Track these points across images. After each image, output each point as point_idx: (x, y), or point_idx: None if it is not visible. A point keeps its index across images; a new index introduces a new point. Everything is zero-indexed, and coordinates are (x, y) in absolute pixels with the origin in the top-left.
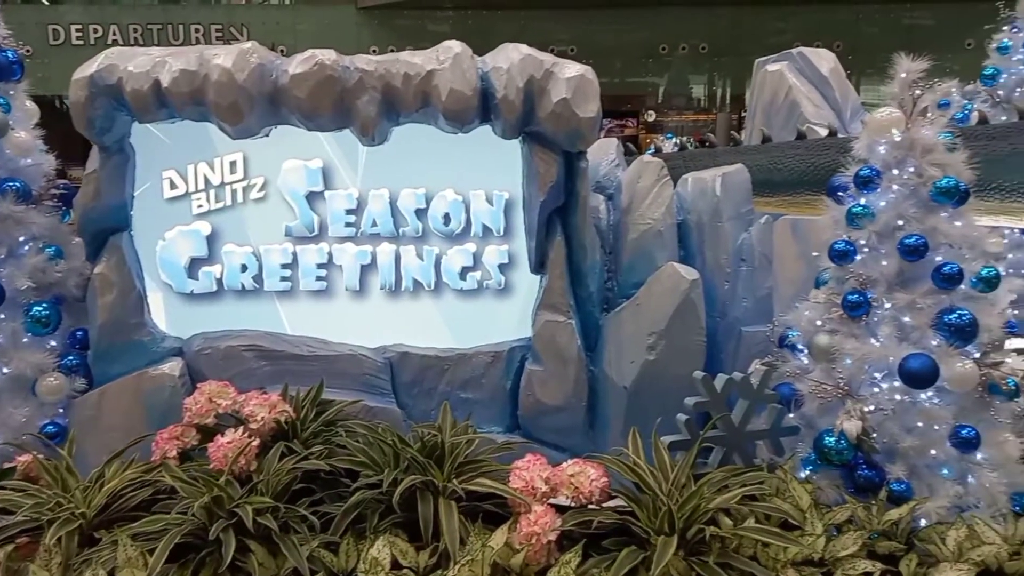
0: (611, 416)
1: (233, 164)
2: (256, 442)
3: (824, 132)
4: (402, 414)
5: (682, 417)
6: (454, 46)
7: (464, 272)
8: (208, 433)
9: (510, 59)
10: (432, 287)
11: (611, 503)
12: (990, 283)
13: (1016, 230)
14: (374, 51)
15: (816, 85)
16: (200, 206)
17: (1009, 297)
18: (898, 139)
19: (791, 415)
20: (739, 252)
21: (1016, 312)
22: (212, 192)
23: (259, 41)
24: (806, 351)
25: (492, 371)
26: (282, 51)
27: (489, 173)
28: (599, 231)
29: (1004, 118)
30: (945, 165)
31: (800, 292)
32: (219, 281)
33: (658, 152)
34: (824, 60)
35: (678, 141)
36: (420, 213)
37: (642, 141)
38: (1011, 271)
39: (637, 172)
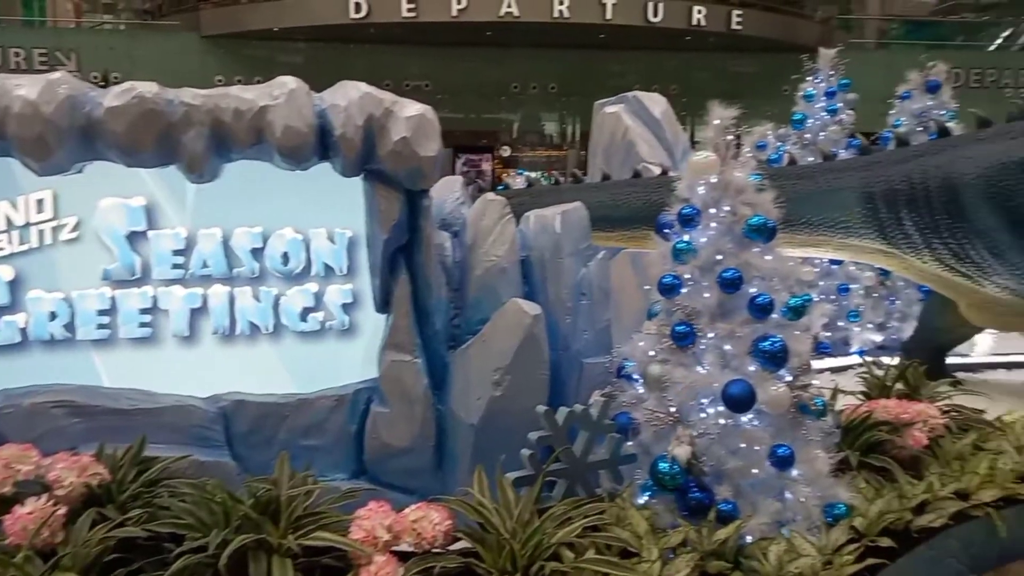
0: (460, 454)
1: (40, 203)
2: (63, 510)
3: (657, 171)
4: (237, 467)
5: (526, 452)
6: (289, 82)
7: (305, 313)
8: (6, 504)
9: (349, 97)
10: (270, 330)
11: (456, 546)
12: (798, 312)
13: (825, 260)
14: (219, 81)
15: (650, 127)
16: (1, 248)
17: (821, 320)
18: (714, 181)
19: (629, 443)
20: (579, 287)
21: (829, 334)
22: (15, 233)
23: (91, 68)
24: (641, 381)
25: (336, 415)
26: (116, 79)
27: (331, 211)
28: (445, 268)
29: (811, 159)
30: (755, 204)
31: (641, 323)
32: (23, 331)
33: (506, 188)
34: (656, 104)
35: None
36: (256, 252)
37: (498, 175)
38: (822, 297)
39: (481, 210)
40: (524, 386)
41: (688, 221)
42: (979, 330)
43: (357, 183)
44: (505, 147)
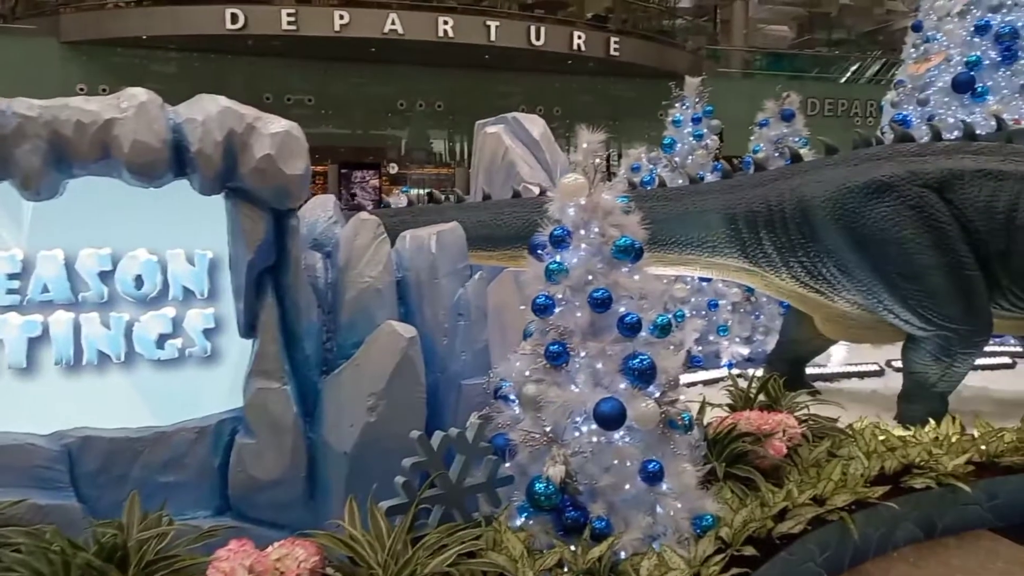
0: (332, 485)
1: None
2: None
3: (537, 191)
4: (83, 510)
5: (400, 480)
6: (139, 93)
7: (162, 340)
8: None
9: (207, 111)
10: (122, 359)
11: None
12: (665, 330)
13: (695, 278)
14: (82, 90)
15: (529, 147)
16: None
17: (694, 335)
18: (583, 203)
19: (507, 465)
20: (457, 307)
21: (700, 348)
22: None
23: None
24: (517, 401)
25: (197, 448)
26: None
27: (190, 230)
28: (316, 290)
29: (680, 182)
30: (622, 226)
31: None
32: None
33: (387, 206)
34: (535, 125)
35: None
36: (105, 276)
37: (385, 192)
38: (694, 313)
39: (354, 230)
40: (400, 411)
41: (559, 242)
42: (834, 342)
43: (220, 200)
44: (392, 164)
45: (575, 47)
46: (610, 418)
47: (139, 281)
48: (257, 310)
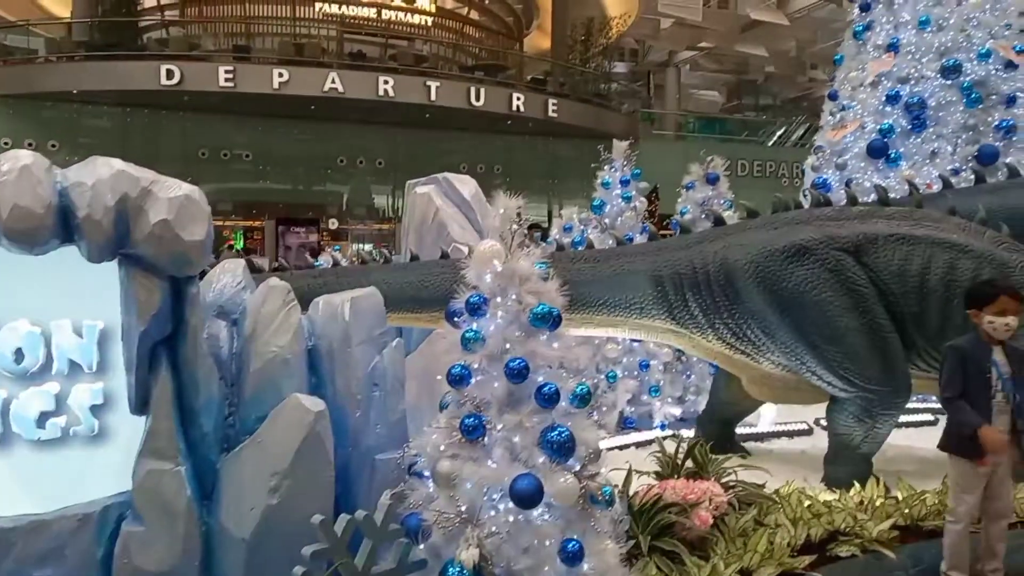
0: (229, 575)
1: None
2: None
3: (466, 252)
4: None
5: (299, 570)
6: (23, 156)
7: (43, 418)
8: None
9: (98, 174)
10: None
11: None
12: (584, 400)
13: (628, 340)
14: (7, 145)
15: (460, 207)
16: None
17: (626, 396)
18: (500, 269)
19: (420, 547)
20: (372, 377)
21: (633, 409)
22: None
23: None
24: (431, 478)
25: (80, 538)
26: None
27: (78, 299)
28: (219, 361)
29: (610, 243)
30: (540, 293)
31: None
32: None
33: (310, 268)
34: (466, 185)
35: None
36: None
37: (324, 248)
38: (626, 373)
39: (262, 296)
40: (305, 491)
41: (476, 310)
42: (762, 402)
43: (112, 267)
44: (332, 220)
45: (514, 108)
46: (527, 496)
47: (19, 354)
48: (150, 384)
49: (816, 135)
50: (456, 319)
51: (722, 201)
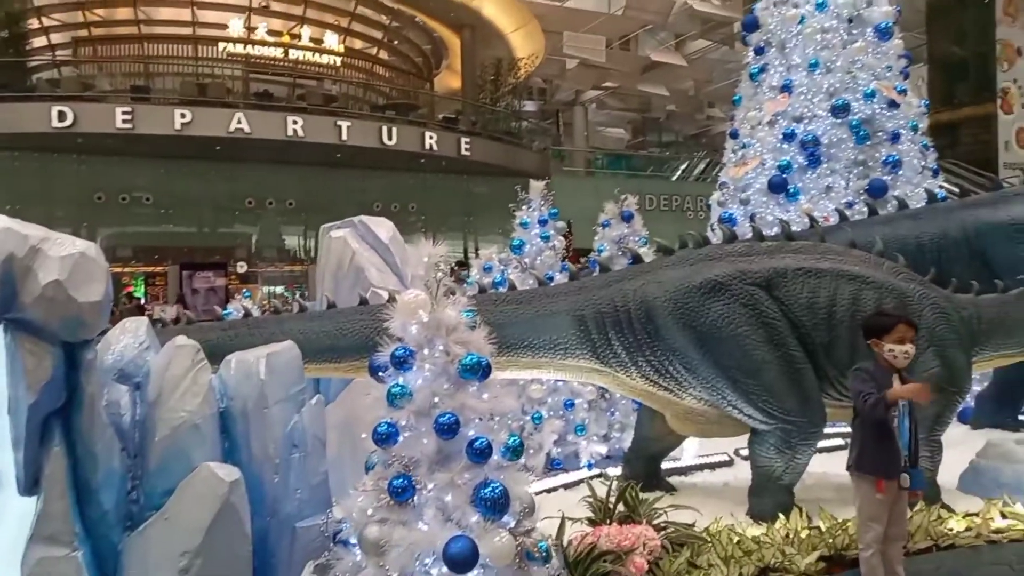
0: None
1: None
2: None
3: (386, 296)
4: None
5: None
6: None
7: None
8: None
9: None
10: None
11: None
12: (516, 451)
13: (553, 380)
14: None
15: (378, 251)
16: None
17: (552, 437)
18: (426, 320)
19: None
20: (290, 438)
21: (559, 449)
22: None
23: None
24: (359, 545)
25: None
26: None
27: None
28: (121, 431)
29: (530, 282)
30: (468, 343)
31: None
32: None
33: (221, 319)
34: (383, 228)
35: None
36: None
37: (233, 291)
38: (551, 414)
39: (167, 357)
40: (220, 569)
41: (402, 363)
42: (687, 436)
43: None
44: (241, 263)
45: (427, 146)
46: (462, 559)
47: None
48: (42, 461)
49: (720, 171)
50: (381, 373)
51: (637, 238)
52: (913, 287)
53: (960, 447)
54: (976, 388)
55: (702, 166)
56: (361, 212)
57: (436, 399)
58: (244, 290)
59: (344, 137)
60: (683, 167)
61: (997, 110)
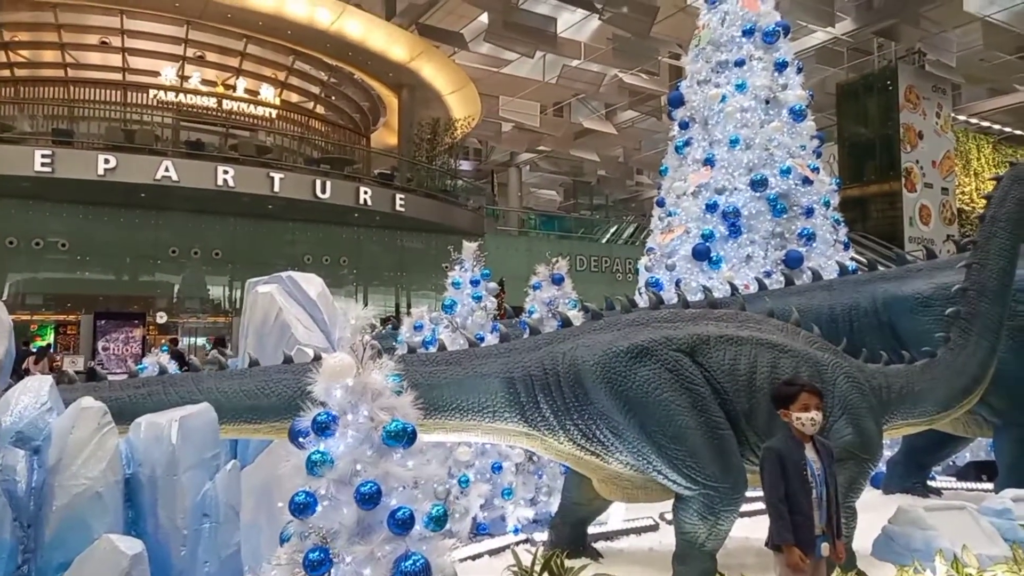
0: None
1: None
2: None
3: (311, 355)
4: None
5: None
6: None
7: None
8: None
9: None
10: None
11: None
12: (440, 522)
13: (481, 442)
14: None
15: (306, 307)
16: None
17: (479, 501)
18: (351, 384)
19: None
20: (201, 507)
21: (486, 514)
22: None
23: None
24: None
25: None
26: None
27: None
28: (14, 498)
29: (461, 343)
30: (393, 408)
31: None
32: None
33: (133, 376)
34: (312, 284)
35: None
36: None
37: (154, 342)
38: (478, 477)
39: (71, 420)
40: None
41: (323, 429)
42: (613, 501)
43: None
44: (161, 313)
45: (361, 201)
46: None
47: None
48: None
49: (647, 237)
50: (301, 439)
51: (567, 300)
52: (827, 356)
53: (873, 512)
54: (888, 453)
55: (631, 230)
56: (291, 264)
57: (358, 467)
58: (163, 343)
59: (276, 189)
60: (613, 230)
61: (902, 188)
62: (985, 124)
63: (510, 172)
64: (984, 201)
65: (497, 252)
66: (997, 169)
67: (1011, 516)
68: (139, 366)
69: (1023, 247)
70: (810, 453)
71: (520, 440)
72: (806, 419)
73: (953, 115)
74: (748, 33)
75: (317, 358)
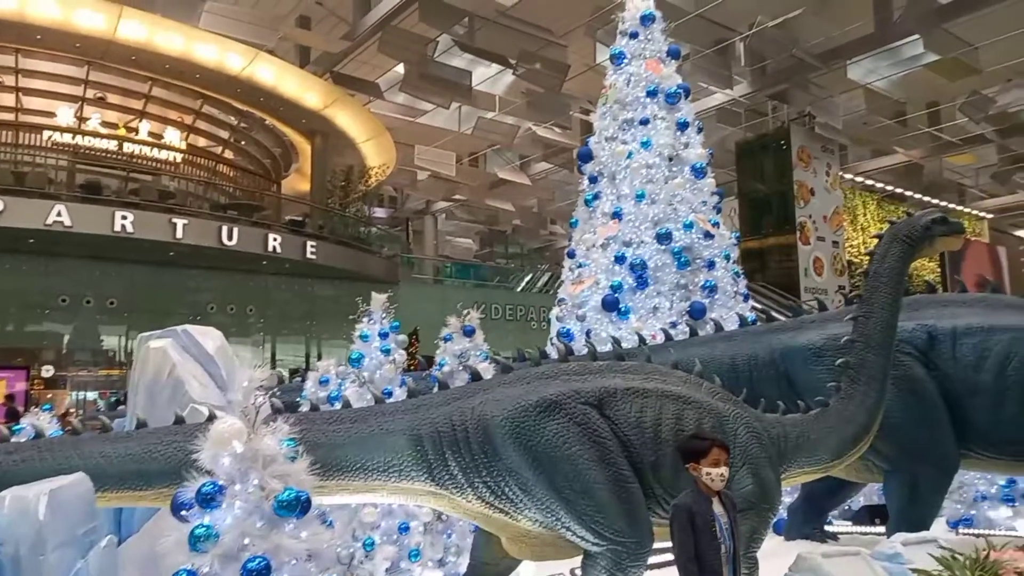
0: None
1: None
2: None
3: (206, 414)
4: None
5: None
6: None
7: None
8: None
9: None
10: None
11: None
12: None
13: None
14: None
15: (202, 363)
16: None
17: (384, 564)
18: (240, 451)
19: None
20: None
21: None
22: None
23: None
24: None
25: None
26: None
27: None
28: None
29: (368, 397)
30: (287, 476)
31: None
32: None
33: (4, 440)
34: (210, 338)
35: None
36: None
37: (39, 397)
38: (384, 539)
39: None
40: None
41: (209, 500)
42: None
43: None
44: (47, 366)
45: (270, 248)
46: None
47: None
48: None
49: (559, 288)
50: (184, 512)
51: (479, 352)
52: (728, 407)
53: (775, 559)
54: (787, 499)
55: (545, 279)
56: (193, 313)
57: (246, 540)
58: (46, 404)
59: (179, 235)
60: (528, 279)
61: (797, 241)
62: (870, 183)
63: (426, 220)
64: (868, 257)
65: (412, 301)
66: (881, 224)
67: (901, 560)
68: (15, 427)
69: (904, 300)
70: (717, 507)
71: (427, 500)
72: (716, 474)
73: (841, 174)
74: (652, 94)
75: (212, 418)
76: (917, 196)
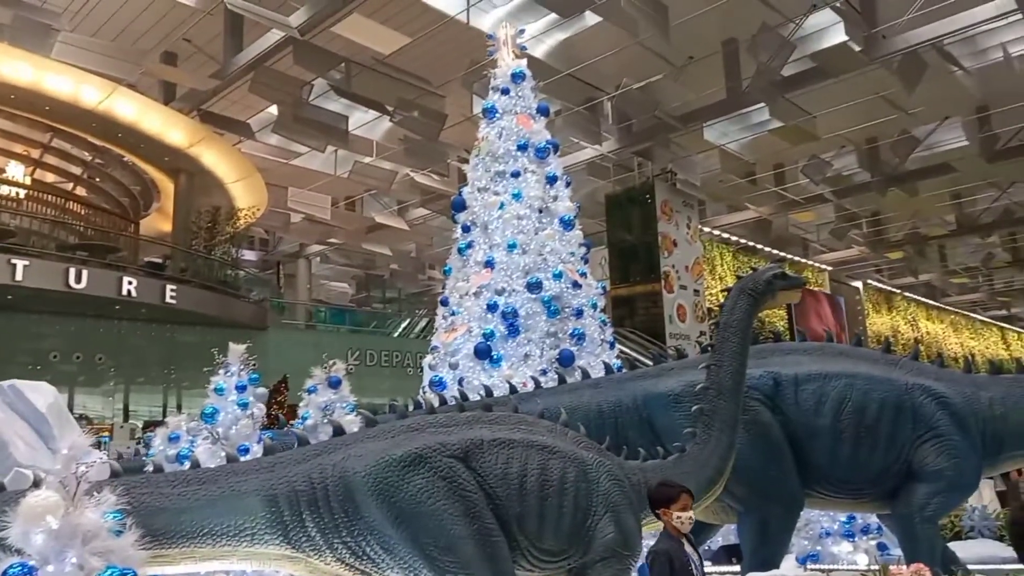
0: None
1: None
2: None
3: (31, 478)
4: None
5: None
6: None
7: None
8: None
9: None
10: None
11: None
12: None
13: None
14: None
15: (31, 422)
16: None
17: None
18: (56, 527)
19: None
20: None
21: None
22: None
23: None
24: None
25: None
26: None
27: None
28: None
29: (222, 455)
30: (109, 552)
31: None
32: None
33: None
34: (41, 394)
35: None
36: None
37: None
38: None
39: None
40: None
41: None
42: None
43: None
44: None
45: (124, 292)
46: None
47: None
48: None
49: (433, 336)
50: None
51: (344, 405)
52: (591, 456)
53: None
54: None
55: (423, 324)
56: (35, 362)
57: None
58: None
59: (19, 277)
60: (405, 324)
61: (662, 289)
62: (726, 236)
63: (299, 263)
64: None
65: (282, 347)
66: (736, 275)
67: None
68: None
69: (752, 349)
70: (688, 548)
71: (282, 564)
72: (685, 517)
73: (700, 227)
74: (522, 148)
75: (37, 483)
76: (767, 249)
